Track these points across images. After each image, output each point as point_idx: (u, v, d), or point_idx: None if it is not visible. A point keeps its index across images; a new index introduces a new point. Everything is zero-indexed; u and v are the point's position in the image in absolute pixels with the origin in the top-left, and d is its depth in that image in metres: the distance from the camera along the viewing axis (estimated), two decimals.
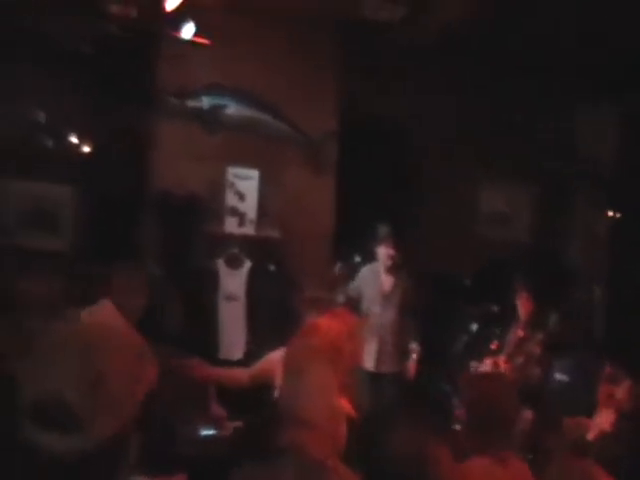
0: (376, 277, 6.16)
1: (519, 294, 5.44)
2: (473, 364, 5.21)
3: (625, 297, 6.72)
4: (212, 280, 6.29)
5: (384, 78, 7.16)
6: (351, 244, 6.67)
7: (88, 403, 1.00)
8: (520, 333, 5.39)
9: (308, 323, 3.49)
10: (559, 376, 5.09)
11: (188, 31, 6.16)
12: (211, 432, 4.58)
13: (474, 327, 5.74)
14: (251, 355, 5.94)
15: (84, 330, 1.13)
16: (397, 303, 6.07)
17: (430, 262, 6.62)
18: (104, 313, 3.47)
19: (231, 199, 6.47)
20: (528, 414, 5.06)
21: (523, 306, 5.44)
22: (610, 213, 7.42)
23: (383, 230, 6.09)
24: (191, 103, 6.52)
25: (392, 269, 6.11)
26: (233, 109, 6.59)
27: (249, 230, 6.44)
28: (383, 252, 6.09)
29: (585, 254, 7.54)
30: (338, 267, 6.73)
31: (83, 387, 1.00)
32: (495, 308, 6.12)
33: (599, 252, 7.37)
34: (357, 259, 7.04)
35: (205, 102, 6.53)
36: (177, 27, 6.14)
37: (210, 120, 6.52)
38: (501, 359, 5.27)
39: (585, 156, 7.45)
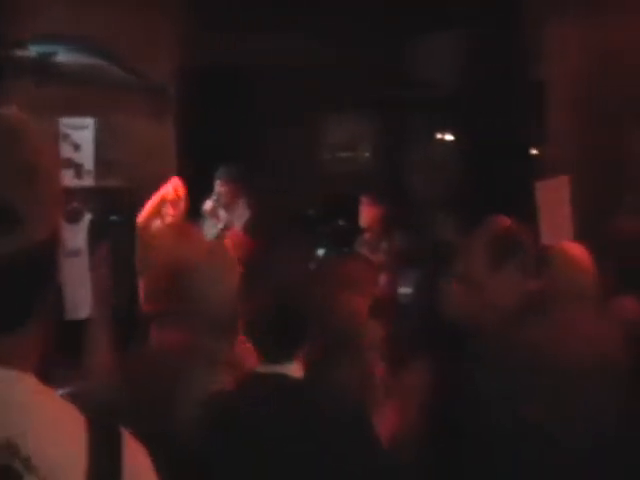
0: (214, 216, 6.00)
1: (363, 202, 5.34)
2: None
3: (466, 219, 6.65)
4: None
5: (222, 21, 6.95)
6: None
7: (23, 197, 0.91)
8: (366, 241, 5.28)
9: None
10: (404, 290, 4.95)
11: None
12: None
13: (321, 252, 5.55)
14: None
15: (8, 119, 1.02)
16: None
17: (274, 196, 6.45)
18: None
19: (66, 151, 6.09)
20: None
21: (367, 213, 5.32)
22: (448, 136, 7.47)
23: (218, 169, 6.01)
24: (19, 53, 6.12)
25: (227, 206, 5.97)
26: (65, 57, 6.22)
27: (87, 181, 6.08)
28: (218, 190, 5.98)
29: (427, 178, 7.50)
30: None
31: (18, 181, 0.92)
32: (341, 222, 6.05)
33: (440, 175, 7.35)
34: None
35: (33, 51, 6.13)
36: None
37: (39, 70, 6.13)
38: None
39: (421, 81, 7.43)
